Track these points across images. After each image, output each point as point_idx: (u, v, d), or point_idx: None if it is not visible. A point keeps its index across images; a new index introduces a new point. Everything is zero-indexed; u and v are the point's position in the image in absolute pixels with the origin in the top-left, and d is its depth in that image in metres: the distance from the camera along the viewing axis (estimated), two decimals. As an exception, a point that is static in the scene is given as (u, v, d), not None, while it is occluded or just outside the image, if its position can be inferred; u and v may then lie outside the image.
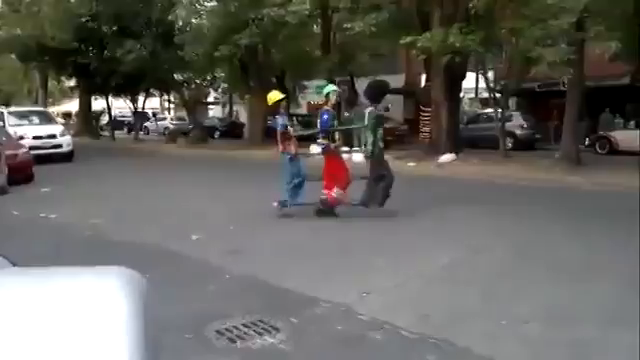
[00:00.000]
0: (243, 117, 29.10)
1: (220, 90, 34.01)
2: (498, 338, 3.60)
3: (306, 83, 31.02)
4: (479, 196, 9.66)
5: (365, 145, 7.67)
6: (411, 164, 15.18)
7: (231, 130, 31.40)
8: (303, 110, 34.76)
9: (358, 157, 7.93)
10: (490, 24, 15.24)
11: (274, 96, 8.23)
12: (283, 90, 30.01)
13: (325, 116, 7.81)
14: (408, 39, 15.35)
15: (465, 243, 6.22)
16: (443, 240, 6.40)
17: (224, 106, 38.75)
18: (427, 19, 16.91)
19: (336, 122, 8.25)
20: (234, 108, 37.52)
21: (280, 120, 7.99)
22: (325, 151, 7.88)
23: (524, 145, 20.33)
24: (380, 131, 7.69)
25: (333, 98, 8.03)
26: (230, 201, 9.24)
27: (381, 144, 7.70)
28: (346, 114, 21.30)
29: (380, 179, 7.62)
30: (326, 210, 7.74)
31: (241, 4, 18.88)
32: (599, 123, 21.65)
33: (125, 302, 1.07)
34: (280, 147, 7.93)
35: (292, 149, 7.89)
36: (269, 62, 23.68)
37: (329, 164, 7.88)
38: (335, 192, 7.66)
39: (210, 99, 40.83)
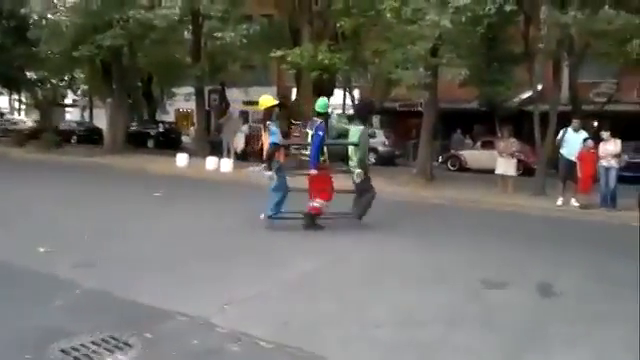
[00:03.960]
0: (102, 121, 27.30)
1: (79, 92, 31.81)
2: (352, 343, 3.76)
3: (174, 90, 30.16)
4: (341, 208, 9.99)
5: (352, 161, 7.85)
6: (279, 176, 15.33)
7: (90, 135, 29.38)
8: (171, 117, 33.74)
9: (358, 177, 7.88)
10: (356, 44, 16.01)
11: (267, 101, 7.69)
12: (148, 96, 29.08)
13: (321, 133, 7.55)
14: (278, 53, 15.60)
15: (325, 253, 6.42)
16: (305, 250, 6.54)
17: (84, 109, 36.23)
18: (298, 35, 17.35)
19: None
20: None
21: (274, 131, 7.43)
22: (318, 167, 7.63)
23: (385, 161, 21.47)
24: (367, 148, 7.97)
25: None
26: (85, 209, 8.65)
27: (367, 160, 8.00)
28: (220, 122, 21.09)
29: (364, 193, 7.92)
30: (313, 222, 7.72)
31: (105, 3, 17.89)
32: (451, 142, 23.64)
33: None
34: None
35: (281, 158, 7.58)
36: (135, 65, 22.65)
37: (319, 179, 7.70)
38: (318, 203, 7.72)
39: (68, 101, 37.94)
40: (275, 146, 7.50)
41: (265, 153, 7.57)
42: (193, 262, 5.73)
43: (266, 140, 7.57)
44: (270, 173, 7.45)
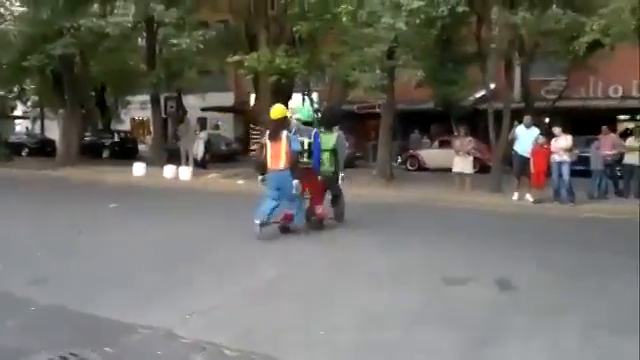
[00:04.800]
0: (54, 133, 26.48)
1: (29, 103, 30.84)
2: (316, 348, 3.76)
3: (129, 98, 29.56)
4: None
5: (324, 165, 8.15)
6: (240, 182, 15.25)
7: (42, 147, 28.48)
8: (126, 126, 33.07)
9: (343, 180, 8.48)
10: (313, 48, 16.07)
11: (280, 111, 7.65)
12: (102, 105, 28.39)
13: (319, 139, 7.89)
14: (235, 58, 15.51)
15: (288, 258, 6.41)
16: (267, 256, 6.51)
17: (34, 121, 35.11)
18: (254, 40, 17.28)
19: None
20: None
21: (294, 138, 7.48)
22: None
23: (345, 163, 21.37)
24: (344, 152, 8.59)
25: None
26: (39, 224, 8.38)
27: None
28: (178, 129, 20.80)
29: (340, 195, 8.59)
30: (319, 224, 8.04)
31: (55, 12, 17.41)
32: (409, 143, 23.98)
33: None
34: (284, 163, 7.40)
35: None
36: (87, 75, 22.11)
37: (313, 183, 7.94)
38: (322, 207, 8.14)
39: (18, 112, 36.72)
40: (298, 154, 7.57)
41: (287, 162, 7.39)
42: (153, 273, 5.61)
43: (279, 150, 7.44)
44: (297, 182, 7.41)
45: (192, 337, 3.85)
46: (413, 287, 5.22)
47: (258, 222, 7.34)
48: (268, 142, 7.58)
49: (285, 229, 7.74)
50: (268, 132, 7.69)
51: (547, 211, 10.67)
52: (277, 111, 7.67)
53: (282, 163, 7.40)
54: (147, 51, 20.24)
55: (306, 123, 8.10)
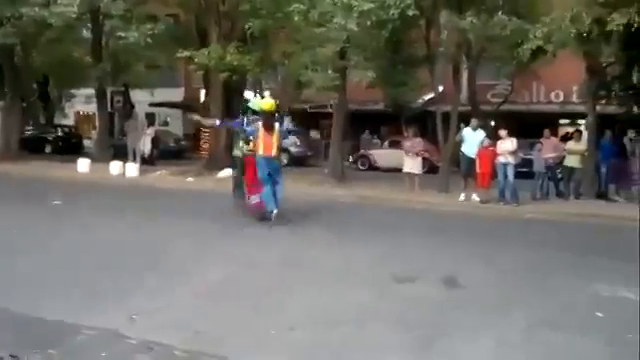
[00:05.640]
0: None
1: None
2: (266, 347, 3.75)
3: (74, 91, 28.55)
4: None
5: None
6: (190, 179, 15.01)
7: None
8: (71, 121, 31.94)
9: None
10: (266, 46, 15.99)
11: (272, 104, 8.60)
12: (45, 98, 27.25)
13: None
14: (185, 53, 15.26)
15: (237, 257, 6.36)
16: (215, 255, 6.44)
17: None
18: (205, 35, 17.02)
19: None
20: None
21: (286, 126, 8.07)
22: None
23: (297, 161, 21.63)
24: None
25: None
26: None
27: None
28: (125, 125, 20.24)
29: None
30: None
31: (-6, 0, 16.63)
32: (360, 143, 24.23)
33: None
34: (275, 151, 8.36)
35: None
36: (29, 66, 21.20)
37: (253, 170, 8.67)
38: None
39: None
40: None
41: (276, 150, 8.42)
42: (98, 274, 5.41)
43: (271, 139, 8.34)
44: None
45: (138, 337, 3.76)
46: (362, 285, 5.28)
47: (275, 210, 8.17)
48: (261, 131, 8.29)
49: (263, 217, 8.41)
50: (262, 122, 8.37)
51: (492, 211, 11.00)
52: (269, 104, 8.58)
53: (274, 151, 8.35)
54: (92, 43, 19.61)
55: (255, 113, 8.80)
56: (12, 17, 16.43)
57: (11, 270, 5.52)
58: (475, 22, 11.82)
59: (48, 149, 24.72)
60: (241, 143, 9.19)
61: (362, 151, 23.11)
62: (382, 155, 21.62)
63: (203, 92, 19.52)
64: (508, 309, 4.68)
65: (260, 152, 8.32)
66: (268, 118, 8.41)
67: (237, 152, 9.52)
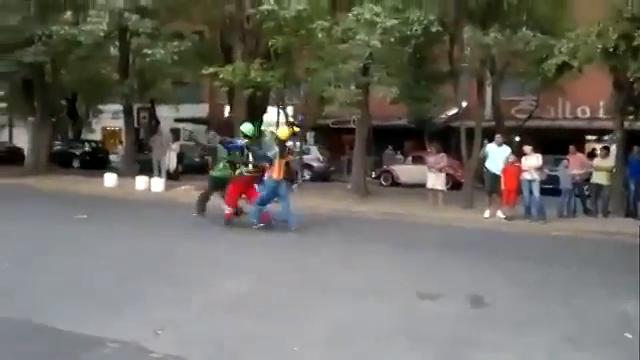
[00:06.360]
0: (22, 141, 25.86)
1: (-3, 111, 30.11)
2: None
3: (101, 107, 29.17)
4: (277, 226, 9.96)
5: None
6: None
7: (10, 156, 27.75)
8: (98, 136, 32.57)
9: None
10: (289, 62, 16.14)
11: (288, 133, 9.84)
12: (73, 114, 27.84)
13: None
14: (210, 70, 15.47)
15: (257, 271, 6.37)
16: (235, 268, 6.46)
17: (2, 128, 34.28)
18: (230, 52, 17.26)
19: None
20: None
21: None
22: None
23: (320, 177, 21.67)
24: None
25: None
26: (2, 234, 8.14)
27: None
28: (150, 140, 20.51)
29: None
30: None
31: (25, 19, 17.13)
32: (383, 158, 24.18)
33: None
34: (277, 174, 9.11)
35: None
36: (58, 82, 21.73)
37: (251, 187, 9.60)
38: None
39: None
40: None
41: (286, 173, 9.40)
42: (122, 286, 5.49)
43: (283, 165, 9.20)
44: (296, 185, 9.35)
45: (162, 352, 3.77)
46: (386, 301, 5.23)
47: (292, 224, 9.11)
48: (278, 159, 9.09)
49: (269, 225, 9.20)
50: (278, 150, 9.17)
51: (518, 228, 10.84)
52: (286, 132, 9.67)
53: (282, 174, 9.16)
54: (120, 60, 20.04)
55: (246, 137, 9.56)
56: (43, 35, 16.90)
57: (33, 283, 5.60)
58: (499, 37, 11.78)
59: (76, 164, 25.23)
60: (222, 164, 9.87)
61: (385, 167, 23.04)
62: (405, 171, 21.52)
63: (227, 108, 19.74)
64: (532, 327, 4.58)
65: (274, 176, 9.13)
66: (284, 146, 9.44)
67: (217, 173, 10.07)
